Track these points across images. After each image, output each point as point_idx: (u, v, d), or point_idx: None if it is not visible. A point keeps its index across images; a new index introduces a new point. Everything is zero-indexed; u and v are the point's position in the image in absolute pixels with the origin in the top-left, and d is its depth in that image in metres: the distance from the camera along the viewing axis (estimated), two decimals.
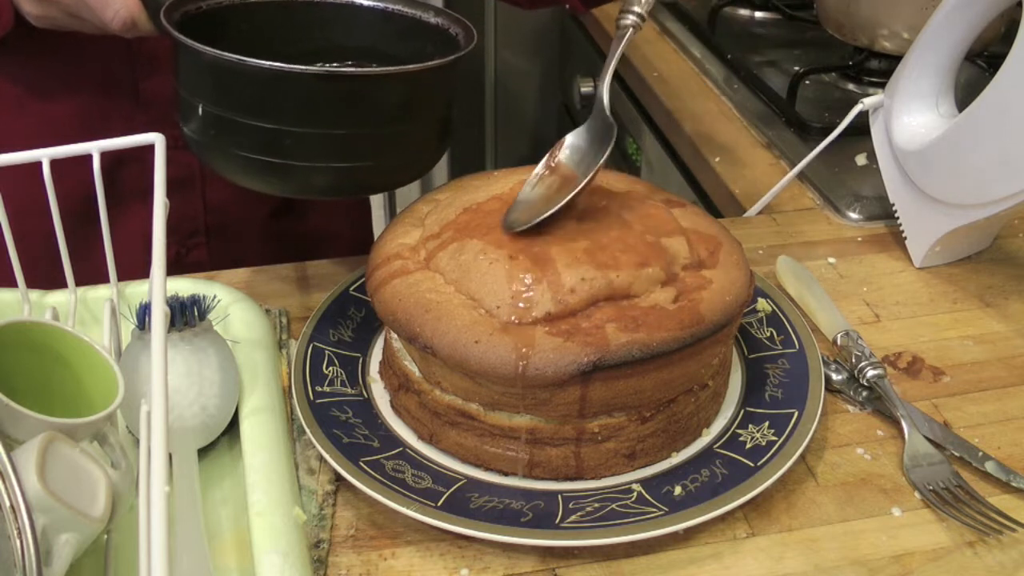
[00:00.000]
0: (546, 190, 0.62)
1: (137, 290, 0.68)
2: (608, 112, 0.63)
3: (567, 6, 0.93)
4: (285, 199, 0.91)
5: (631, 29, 0.65)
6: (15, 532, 0.41)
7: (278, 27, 0.70)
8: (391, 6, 0.71)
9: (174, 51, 0.62)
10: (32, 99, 0.80)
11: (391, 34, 0.70)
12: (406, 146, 0.64)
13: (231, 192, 0.87)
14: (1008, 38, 0.69)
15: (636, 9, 0.65)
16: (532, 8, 1.01)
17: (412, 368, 0.59)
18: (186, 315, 0.58)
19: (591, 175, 0.60)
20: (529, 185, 0.62)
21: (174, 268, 0.86)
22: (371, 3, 0.71)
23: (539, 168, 0.64)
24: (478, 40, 0.69)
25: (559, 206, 0.59)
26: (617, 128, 0.63)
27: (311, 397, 0.60)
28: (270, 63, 0.57)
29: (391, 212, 2.11)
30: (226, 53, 0.57)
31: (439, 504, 0.53)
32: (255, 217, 0.90)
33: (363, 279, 0.65)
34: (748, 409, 0.61)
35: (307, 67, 0.58)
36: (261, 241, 0.91)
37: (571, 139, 0.64)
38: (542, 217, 0.58)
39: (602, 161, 0.61)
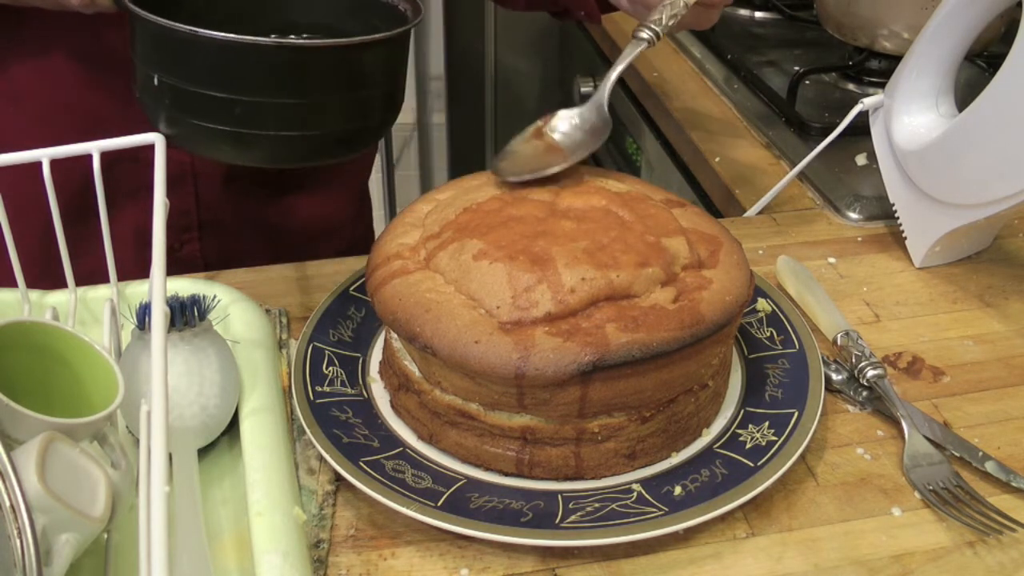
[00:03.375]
0: (534, 151, 0.66)
1: (137, 290, 0.68)
2: (606, 109, 0.67)
3: (581, 14, 0.94)
4: (274, 194, 0.91)
5: (645, 43, 0.69)
6: (15, 532, 0.41)
7: (234, 5, 0.74)
8: None
9: (130, 24, 0.64)
10: (27, 94, 0.80)
11: (343, 11, 0.75)
12: (352, 116, 0.67)
13: (223, 188, 0.87)
14: (1008, 38, 0.69)
15: (653, 26, 0.69)
16: (527, 10, 1.01)
17: (412, 368, 0.59)
18: (186, 315, 0.58)
19: (582, 154, 0.65)
20: (519, 140, 0.67)
21: (168, 262, 0.86)
22: None
23: (530, 128, 0.68)
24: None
25: (553, 170, 0.64)
26: (611, 129, 0.66)
27: (311, 397, 0.60)
28: (221, 34, 0.60)
29: (391, 212, 2.11)
30: (179, 24, 0.60)
31: (439, 504, 0.53)
32: (247, 212, 0.90)
33: (363, 279, 0.65)
34: (748, 409, 0.61)
35: (255, 38, 0.61)
36: (254, 236, 0.91)
37: (564, 113, 0.68)
38: (536, 175, 0.63)
39: (596, 147, 0.66)
